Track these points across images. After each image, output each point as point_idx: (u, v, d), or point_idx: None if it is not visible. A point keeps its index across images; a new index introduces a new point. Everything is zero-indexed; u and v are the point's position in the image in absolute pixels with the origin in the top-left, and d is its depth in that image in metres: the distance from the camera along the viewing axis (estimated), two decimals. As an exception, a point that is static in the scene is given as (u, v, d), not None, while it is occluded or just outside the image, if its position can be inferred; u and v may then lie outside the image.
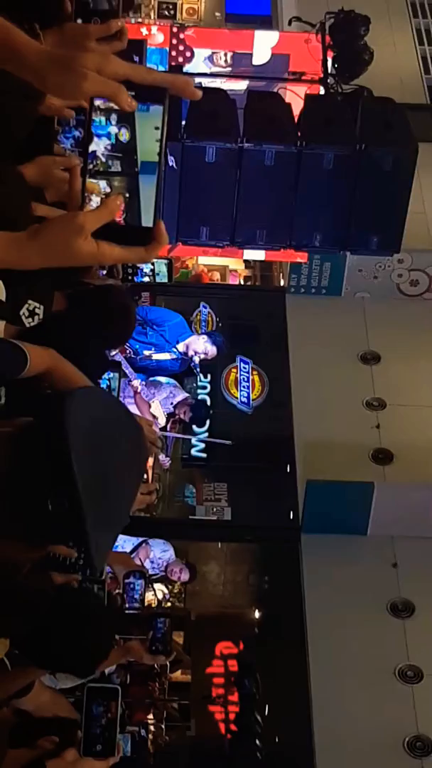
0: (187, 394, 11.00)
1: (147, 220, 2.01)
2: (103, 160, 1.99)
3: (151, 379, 10.79)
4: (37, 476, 2.02)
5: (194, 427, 11.43)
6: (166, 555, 10.43)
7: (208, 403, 11.96)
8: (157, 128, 1.96)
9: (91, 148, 1.99)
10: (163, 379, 10.91)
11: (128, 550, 9.93)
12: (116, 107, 1.93)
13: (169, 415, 10.70)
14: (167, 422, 10.77)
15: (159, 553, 10.39)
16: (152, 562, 10.29)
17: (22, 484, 2.02)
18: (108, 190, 2.00)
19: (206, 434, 11.67)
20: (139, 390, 10.20)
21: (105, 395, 2.33)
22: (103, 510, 2.06)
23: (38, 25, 2.87)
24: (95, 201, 2.01)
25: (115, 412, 2.32)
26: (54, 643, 3.67)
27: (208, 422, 11.68)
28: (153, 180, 1.99)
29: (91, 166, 2.00)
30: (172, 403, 10.61)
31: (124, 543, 9.98)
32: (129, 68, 1.92)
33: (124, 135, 1.97)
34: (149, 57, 9.02)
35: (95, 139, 1.96)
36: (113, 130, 1.96)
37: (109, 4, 2.16)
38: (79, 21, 2.16)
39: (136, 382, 10.11)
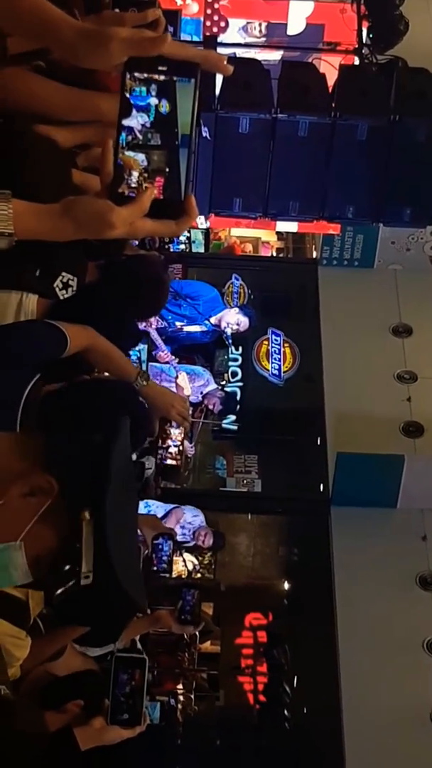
0: (218, 386, 10.98)
1: (183, 187, 2.01)
2: (141, 135, 1.98)
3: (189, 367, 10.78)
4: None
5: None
6: (197, 520, 10.47)
7: (238, 396, 11.96)
8: (193, 100, 1.95)
9: (127, 122, 1.98)
10: (199, 368, 10.91)
11: (160, 515, 9.98)
12: (156, 78, 1.93)
13: (196, 405, 10.67)
14: (193, 411, 10.75)
15: (190, 518, 10.43)
16: (182, 527, 10.33)
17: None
18: (146, 164, 2.00)
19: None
20: (167, 359, 10.20)
21: (125, 457, 2.36)
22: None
23: (77, 12, 2.88)
24: (134, 176, 2.00)
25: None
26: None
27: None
28: (187, 152, 1.99)
29: (130, 139, 1.99)
30: (201, 392, 10.59)
31: (156, 508, 10.04)
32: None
33: (164, 107, 1.96)
34: (183, 27, 8.98)
35: (134, 112, 1.95)
36: (153, 101, 1.96)
37: (145, -7, 2.16)
38: (117, 10, 2.16)
39: (165, 353, 10.12)
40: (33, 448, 2.18)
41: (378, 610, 10.17)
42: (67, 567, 2.06)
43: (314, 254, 13.47)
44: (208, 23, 10.93)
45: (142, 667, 3.58)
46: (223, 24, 11.36)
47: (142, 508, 9.56)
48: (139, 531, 6.71)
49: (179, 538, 10.15)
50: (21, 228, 2.00)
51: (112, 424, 2.11)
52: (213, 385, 10.79)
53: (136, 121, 1.98)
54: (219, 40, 10.25)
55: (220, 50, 9.57)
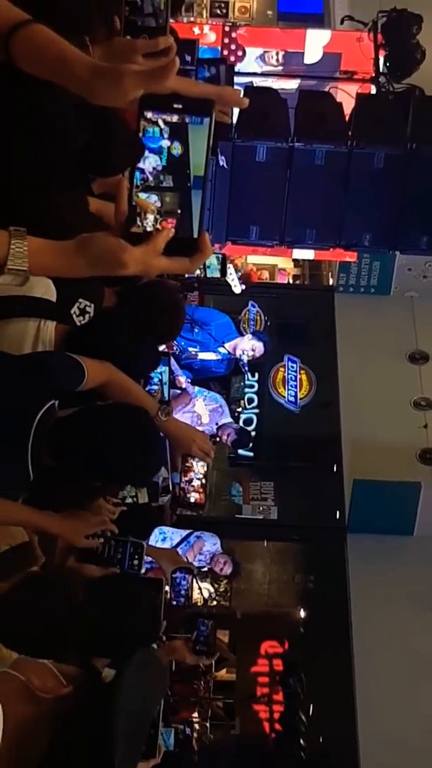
0: (232, 420, 10.95)
1: (196, 228, 2.02)
2: (152, 177, 1.99)
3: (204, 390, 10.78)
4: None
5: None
6: (214, 547, 10.44)
7: (253, 425, 11.95)
8: (207, 138, 1.96)
9: (141, 164, 1.99)
10: (215, 394, 10.90)
11: (176, 541, 9.96)
12: (169, 120, 1.94)
13: (211, 436, 10.65)
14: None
15: (209, 546, 10.40)
16: (200, 553, 10.30)
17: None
18: (159, 205, 2.01)
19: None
20: (184, 385, 10.19)
21: (150, 666, 2.32)
22: None
23: (88, 39, 2.90)
24: (150, 219, 2.01)
25: (156, 685, 2.36)
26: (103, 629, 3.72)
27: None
28: (200, 193, 2.00)
29: (141, 181, 2.00)
30: (216, 423, 10.57)
31: (173, 534, 10.01)
32: (176, 80, 1.93)
33: (177, 149, 1.97)
34: (201, 56, 9.02)
35: (146, 153, 1.96)
36: (165, 143, 1.96)
37: (157, 22, 2.17)
38: (128, 38, 2.17)
39: (182, 379, 10.11)
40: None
41: (394, 637, 10.12)
42: None
43: (331, 281, 13.48)
44: (225, 52, 10.99)
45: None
46: (240, 53, 11.42)
47: (157, 534, 9.54)
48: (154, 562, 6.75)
49: (196, 563, 10.12)
50: (36, 265, 2.02)
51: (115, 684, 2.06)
52: (228, 417, 10.75)
53: (148, 162, 1.99)
54: (236, 69, 10.29)
55: (237, 79, 9.63)
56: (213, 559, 10.36)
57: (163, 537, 9.79)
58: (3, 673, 2.16)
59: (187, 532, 10.26)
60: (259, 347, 11.04)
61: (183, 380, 10.09)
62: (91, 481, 4.14)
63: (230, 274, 10.11)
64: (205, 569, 10.44)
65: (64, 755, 2.00)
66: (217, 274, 9.66)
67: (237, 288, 10.71)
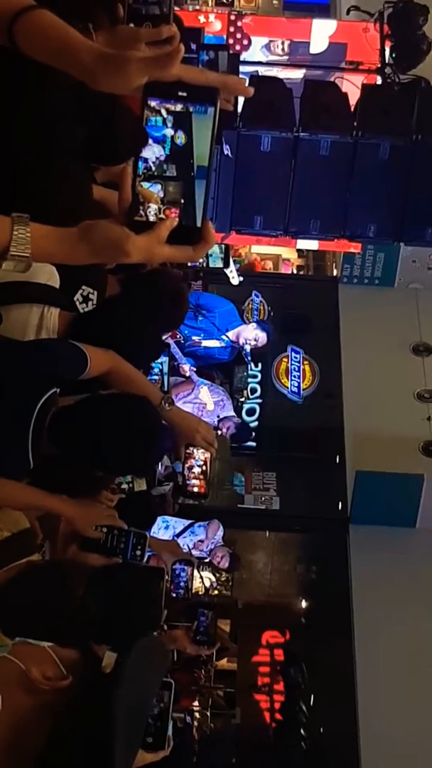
0: (234, 414, 10.95)
1: (199, 220, 2.01)
2: (155, 166, 1.98)
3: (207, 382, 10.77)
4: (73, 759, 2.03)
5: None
6: (216, 538, 10.45)
7: (256, 415, 11.96)
8: (212, 127, 1.95)
9: (144, 153, 1.99)
10: (218, 386, 10.89)
11: (179, 530, 9.97)
12: (172, 109, 1.94)
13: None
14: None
15: (219, 535, 10.43)
16: (201, 541, 10.31)
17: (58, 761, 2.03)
18: (162, 195, 2.00)
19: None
20: (188, 374, 10.18)
21: (153, 654, 2.32)
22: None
23: (91, 26, 2.89)
24: (153, 208, 2.01)
25: (156, 673, 2.40)
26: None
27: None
28: (204, 183, 1.99)
29: (144, 170, 1.99)
30: (218, 415, 10.57)
31: (175, 523, 10.02)
32: (181, 68, 1.92)
33: (180, 138, 1.96)
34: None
35: (150, 142, 1.96)
36: (169, 132, 1.95)
37: (161, 10, 2.16)
38: (131, 25, 2.16)
39: (186, 367, 10.10)
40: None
41: (396, 629, 10.12)
42: None
43: (335, 272, 13.48)
44: (230, 41, 10.97)
45: (169, 689, 3.56)
46: (246, 42, 11.41)
47: (160, 523, 9.55)
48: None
49: (198, 554, 10.13)
50: (38, 251, 2.02)
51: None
52: (230, 411, 10.75)
53: (151, 152, 1.98)
54: (242, 58, 10.27)
55: (243, 68, 9.61)
56: (212, 551, 10.37)
57: (166, 525, 9.81)
58: (2, 658, 2.16)
59: (190, 522, 10.28)
60: (262, 337, 11.03)
61: (187, 368, 10.09)
62: (93, 470, 4.14)
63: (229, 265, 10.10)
64: (207, 560, 10.45)
65: (63, 748, 2.01)
66: (220, 264, 9.64)
67: (235, 279, 10.70)
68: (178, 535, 9.98)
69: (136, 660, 2.17)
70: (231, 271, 10.42)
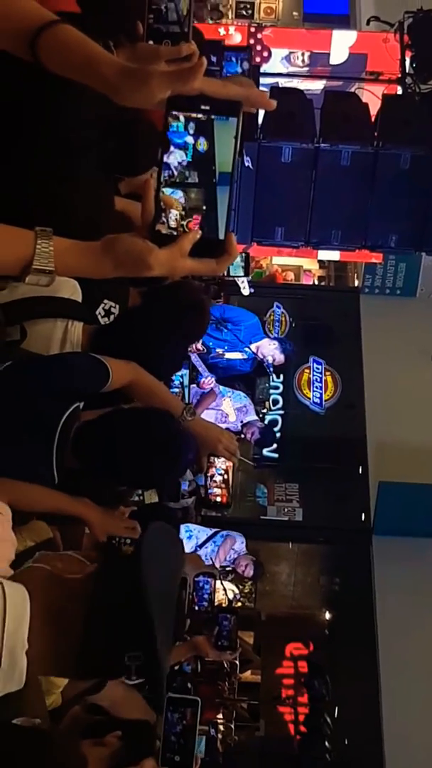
0: (257, 418, 10.95)
1: (221, 228, 2.00)
2: (177, 172, 1.98)
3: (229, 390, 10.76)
4: (113, 635, 2.07)
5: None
6: (241, 546, 10.43)
7: (278, 426, 11.94)
8: (234, 138, 1.95)
9: (166, 159, 1.99)
10: (240, 393, 10.88)
11: (202, 539, 9.96)
12: (194, 116, 1.93)
13: (235, 433, 10.61)
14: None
15: (238, 544, 10.41)
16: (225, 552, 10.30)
17: (96, 642, 2.06)
18: (184, 201, 2.00)
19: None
20: (210, 386, 10.17)
21: (168, 536, 2.37)
22: (166, 654, 2.15)
23: (112, 43, 2.90)
24: (174, 214, 2.01)
25: (175, 557, 2.42)
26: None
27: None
28: (227, 191, 1.98)
29: (167, 177, 1.99)
30: (242, 421, 10.57)
31: (199, 533, 10.01)
32: (203, 82, 1.92)
33: (202, 145, 1.95)
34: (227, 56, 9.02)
35: (171, 149, 1.95)
36: (190, 139, 1.95)
37: (180, 28, 2.16)
38: (151, 43, 2.16)
39: (208, 380, 10.10)
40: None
41: (421, 641, 10.08)
42: None
43: (356, 282, 13.47)
44: (251, 53, 10.99)
45: (194, 707, 3.55)
46: (266, 54, 11.42)
47: (183, 532, 9.54)
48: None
49: (222, 563, 10.12)
50: (62, 265, 2.02)
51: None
52: (253, 415, 10.76)
53: (173, 158, 1.98)
54: (262, 69, 10.29)
55: (263, 80, 9.63)
56: (236, 560, 10.36)
57: (189, 534, 9.80)
58: (27, 568, 2.22)
59: (213, 531, 10.26)
60: (280, 358, 11.08)
61: (209, 381, 10.09)
62: (115, 484, 4.13)
63: (239, 277, 10.10)
64: (230, 568, 10.43)
65: (103, 619, 2.06)
66: (241, 273, 9.65)
67: (245, 290, 10.71)
68: (201, 544, 9.98)
69: (152, 539, 2.23)
70: (242, 282, 10.43)
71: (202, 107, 1.93)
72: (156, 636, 2.04)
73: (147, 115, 3.79)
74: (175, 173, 1.99)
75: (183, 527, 9.42)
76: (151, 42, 2.17)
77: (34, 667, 2.01)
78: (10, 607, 1.99)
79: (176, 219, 2.01)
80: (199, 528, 10.10)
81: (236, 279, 9.99)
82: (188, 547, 9.74)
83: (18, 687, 2.01)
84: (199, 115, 1.94)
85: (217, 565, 9.95)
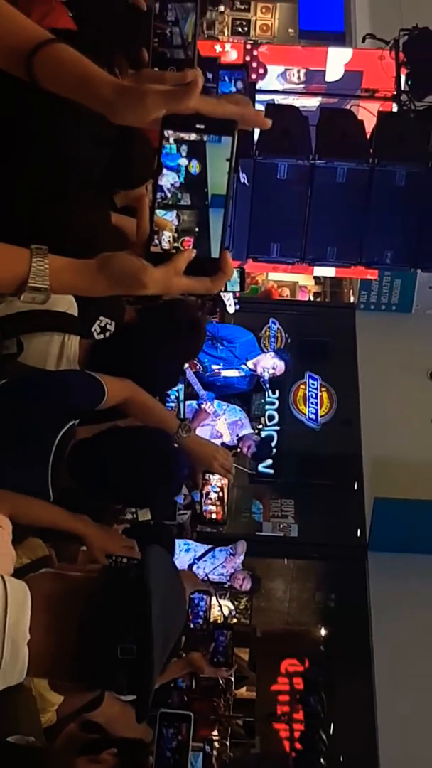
0: (253, 431, 10.96)
1: (214, 251, 2.01)
2: (170, 194, 1.99)
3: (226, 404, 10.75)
4: (111, 628, 2.08)
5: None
6: (237, 562, 10.41)
7: (274, 442, 11.93)
8: (227, 160, 1.95)
9: (159, 181, 1.99)
10: (235, 407, 10.88)
11: (200, 553, 9.95)
12: (186, 138, 1.94)
13: (231, 448, 10.60)
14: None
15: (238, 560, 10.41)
16: (223, 566, 10.26)
17: (92, 635, 2.08)
18: (177, 223, 2.00)
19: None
20: (207, 407, 10.17)
21: (168, 556, 2.42)
22: (162, 661, 2.16)
23: (117, 70, 2.91)
24: (167, 236, 2.01)
25: (174, 571, 2.45)
26: None
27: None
28: (221, 212, 1.98)
29: (159, 199, 1.99)
30: (237, 435, 10.57)
31: (197, 547, 10.01)
32: (199, 100, 1.92)
33: (195, 167, 1.95)
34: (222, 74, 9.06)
35: (164, 171, 1.96)
36: (183, 162, 1.95)
37: (185, 54, 2.17)
38: (156, 69, 2.16)
39: (206, 406, 10.11)
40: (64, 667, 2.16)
41: (417, 657, 10.07)
42: None
43: (352, 299, 13.49)
44: (247, 70, 11.03)
45: (188, 722, 3.55)
46: (262, 71, 11.47)
47: (182, 546, 9.53)
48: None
49: (218, 578, 10.11)
50: (57, 283, 2.02)
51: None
52: (248, 428, 10.76)
53: (165, 180, 1.98)
54: (258, 86, 10.32)
55: (259, 97, 9.66)
56: (232, 576, 10.34)
57: (187, 548, 9.79)
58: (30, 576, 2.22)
59: (210, 546, 10.25)
60: (280, 366, 11.03)
61: (208, 407, 10.10)
62: (111, 503, 4.13)
63: (226, 293, 10.11)
64: (226, 585, 10.42)
65: (102, 613, 2.09)
66: (237, 288, 9.68)
67: (231, 308, 10.71)
68: (199, 558, 9.97)
69: (157, 558, 2.25)
70: (228, 299, 10.44)
71: (197, 126, 1.93)
72: (153, 633, 2.05)
73: (143, 133, 3.80)
74: (168, 195, 1.99)
75: (182, 542, 9.42)
76: (156, 69, 2.17)
77: (32, 663, 2.01)
78: (11, 598, 2.00)
79: (169, 241, 2.01)
80: (197, 543, 10.10)
81: (222, 296, 10.02)
82: (186, 559, 9.74)
83: (19, 679, 2.02)
84: (192, 137, 1.94)
85: (211, 577, 9.94)
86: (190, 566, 9.73)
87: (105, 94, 1.95)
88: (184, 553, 9.68)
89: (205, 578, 9.47)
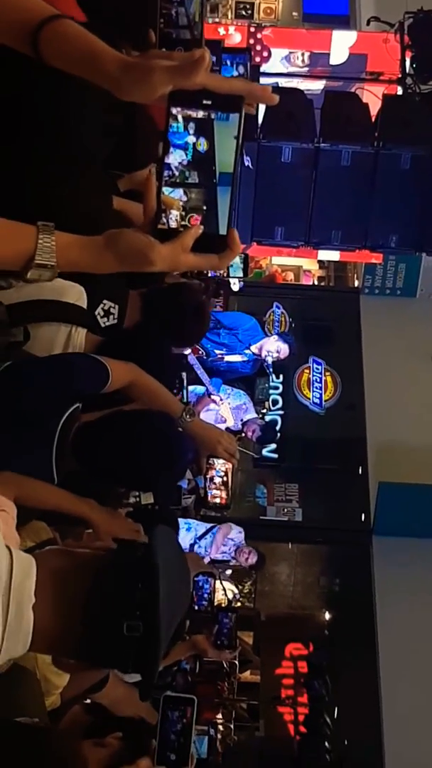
0: (257, 415, 10.96)
1: (222, 229, 2.00)
2: (177, 172, 1.98)
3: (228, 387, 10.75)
4: (118, 604, 2.08)
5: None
6: (239, 537, 10.42)
7: (278, 427, 11.92)
8: (234, 138, 1.94)
9: (166, 159, 1.98)
10: (239, 391, 10.88)
11: (200, 532, 9.97)
12: (194, 115, 1.93)
13: (235, 432, 10.59)
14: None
15: (234, 533, 10.39)
16: (225, 545, 10.27)
17: (99, 610, 2.08)
18: (185, 200, 1.99)
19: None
20: (219, 403, 10.19)
21: (174, 535, 2.43)
22: (168, 640, 2.16)
23: (124, 51, 2.89)
24: (174, 215, 2.00)
25: (180, 552, 2.45)
26: None
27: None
28: (228, 190, 1.98)
29: (167, 177, 1.98)
30: (241, 419, 10.57)
31: (197, 526, 10.02)
32: (206, 76, 1.91)
33: (203, 145, 1.94)
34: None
35: (171, 149, 1.95)
36: (191, 139, 1.94)
37: (191, 34, 2.15)
38: (164, 50, 2.14)
39: (217, 398, 10.12)
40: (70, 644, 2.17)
41: (421, 641, 10.08)
42: None
43: (356, 283, 13.46)
44: (251, 53, 10.99)
45: (192, 705, 3.55)
46: (266, 54, 11.43)
47: (183, 525, 9.54)
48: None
49: (220, 556, 10.12)
50: (64, 260, 2.02)
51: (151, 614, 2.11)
52: (253, 413, 10.76)
53: (173, 158, 1.97)
54: (262, 69, 10.28)
55: (263, 80, 9.62)
56: (238, 550, 10.35)
57: (188, 527, 9.80)
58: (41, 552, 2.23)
59: (210, 525, 10.26)
60: (284, 349, 11.01)
61: (218, 399, 10.11)
62: (114, 485, 4.13)
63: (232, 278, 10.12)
64: (231, 563, 10.42)
65: (109, 587, 2.09)
66: (240, 274, 9.67)
67: (235, 286, 10.69)
68: (200, 537, 9.99)
69: (162, 534, 2.26)
70: (234, 283, 10.44)
71: (204, 102, 1.92)
72: (160, 611, 2.05)
73: (147, 110, 3.79)
74: (176, 173, 1.99)
75: (183, 521, 9.43)
76: (164, 49, 2.16)
77: (37, 637, 2.01)
78: (17, 564, 2.00)
79: (176, 219, 2.01)
80: (198, 522, 10.11)
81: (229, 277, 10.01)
82: (187, 539, 9.75)
83: (23, 647, 2.01)
84: (199, 115, 1.93)
85: (213, 557, 9.95)
86: (192, 546, 9.75)
87: (111, 70, 1.94)
88: (186, 532, 9.70)
89: (208, 557, 9.53)
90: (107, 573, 2.11)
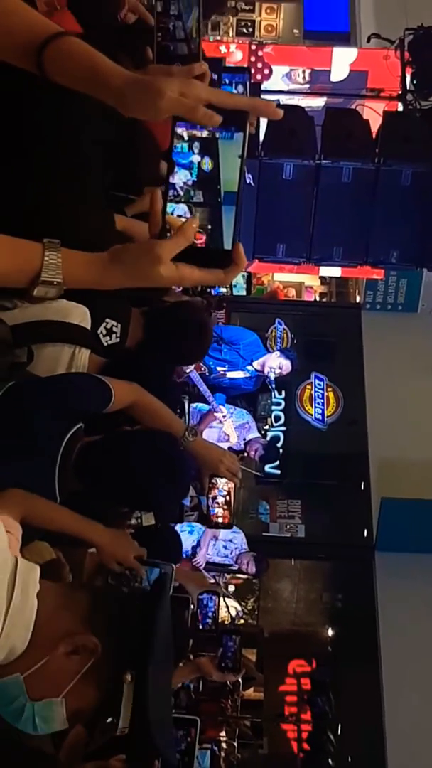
0: (260, 435, 10.94)
1: (227, 243, 2.00)
2: (182, 192, 1.98)
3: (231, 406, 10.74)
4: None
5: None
6: (238, 537, 10.35)
7: (280, 443, 11.91)
8: (239, 157, 1.94)
9: (171, 179, 1.98)
10: (242, 410, 10.87)
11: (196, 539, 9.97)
12: (199, 135, 1.93)
13: (238, 452, 10.58)
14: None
15: (230, 534, 10.34)
16: (225, 547, 10.23)
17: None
18: (189, 217, 1.99)
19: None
20: (222, 417, 10.18)
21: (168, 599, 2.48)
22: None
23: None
24: None
25: (168, 634, 2.46)
26: None
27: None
28: (233, 209, 1.98)
29: (171, 196, 1.98)
30: (244, 439, 10.56)
31: (200, 529, 9.97)
32: (210, 92, 1.91)
33: (207, 164, 1.95)
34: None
35: (176, 169, 1.94)
36: (195, 158, 1.95)
37: (189, 48, 2.15)
38: (162, 65, 2.14)
39: (219, 414, 10.12)
40: (79, 603, 2.24)
41: (424, 657, 10.05)
42: (108, 720, 2.22)
43: (358, 299, 13.47)
44: (252, 70, 11.03)
45: (195, 726, 3.56)
46: (267, 71, 11.46)
47: (185, 527, 9.52)
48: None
49: (222, 560, 10.09)
50: (70, 277, 2.02)
51: (158, 582, 2.17)
52: (255, 433, 10.74)
53: (178, 177, 1.97)
54: (263, 87, 10.32)
55: (264, 97, 9.65)
56: (238, 558, 10.31)
57: (191, 530, 9.78)
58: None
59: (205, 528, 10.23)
60: (286, 365, 11.01)
61: (220, 415, 10.11)
62: (117, 505, 4.13)
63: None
64: (234, 567, 10.38)
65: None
66: (243, 292, 9.69)
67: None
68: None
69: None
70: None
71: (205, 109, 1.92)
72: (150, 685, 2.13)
73: (149, 128, 3.80)
74: (180, 193, 1.99)
75: (185, 523, 9.41)
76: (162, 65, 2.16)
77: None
78: (21, 563, 2.08)
79: None
80: (200, 525, 10.08)
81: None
82: (189, 542, 9.72)
83: (26, 635, 2.07)
84: (204, 134, 1.93)
85: (201, 561, 9.91)
86: (193, 549, 9.72)
87: (116, 86, 1.94)
88: (188, 534, 9.67)
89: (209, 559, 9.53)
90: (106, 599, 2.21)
